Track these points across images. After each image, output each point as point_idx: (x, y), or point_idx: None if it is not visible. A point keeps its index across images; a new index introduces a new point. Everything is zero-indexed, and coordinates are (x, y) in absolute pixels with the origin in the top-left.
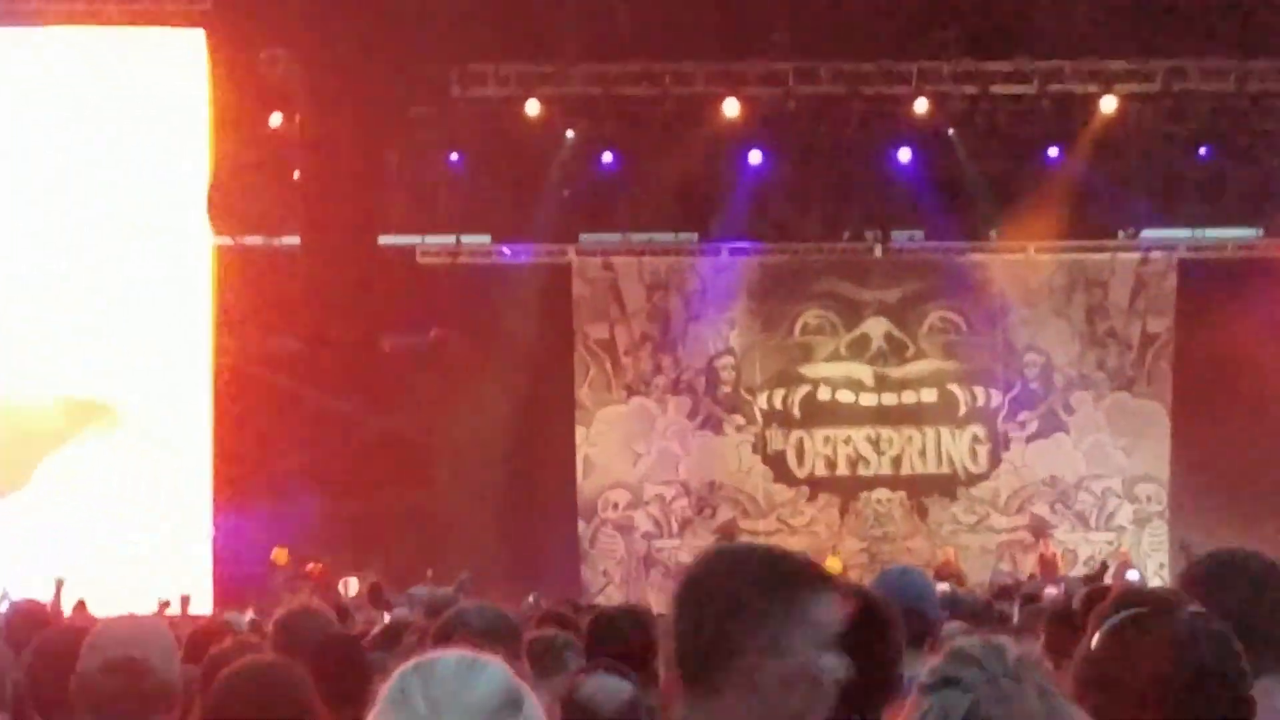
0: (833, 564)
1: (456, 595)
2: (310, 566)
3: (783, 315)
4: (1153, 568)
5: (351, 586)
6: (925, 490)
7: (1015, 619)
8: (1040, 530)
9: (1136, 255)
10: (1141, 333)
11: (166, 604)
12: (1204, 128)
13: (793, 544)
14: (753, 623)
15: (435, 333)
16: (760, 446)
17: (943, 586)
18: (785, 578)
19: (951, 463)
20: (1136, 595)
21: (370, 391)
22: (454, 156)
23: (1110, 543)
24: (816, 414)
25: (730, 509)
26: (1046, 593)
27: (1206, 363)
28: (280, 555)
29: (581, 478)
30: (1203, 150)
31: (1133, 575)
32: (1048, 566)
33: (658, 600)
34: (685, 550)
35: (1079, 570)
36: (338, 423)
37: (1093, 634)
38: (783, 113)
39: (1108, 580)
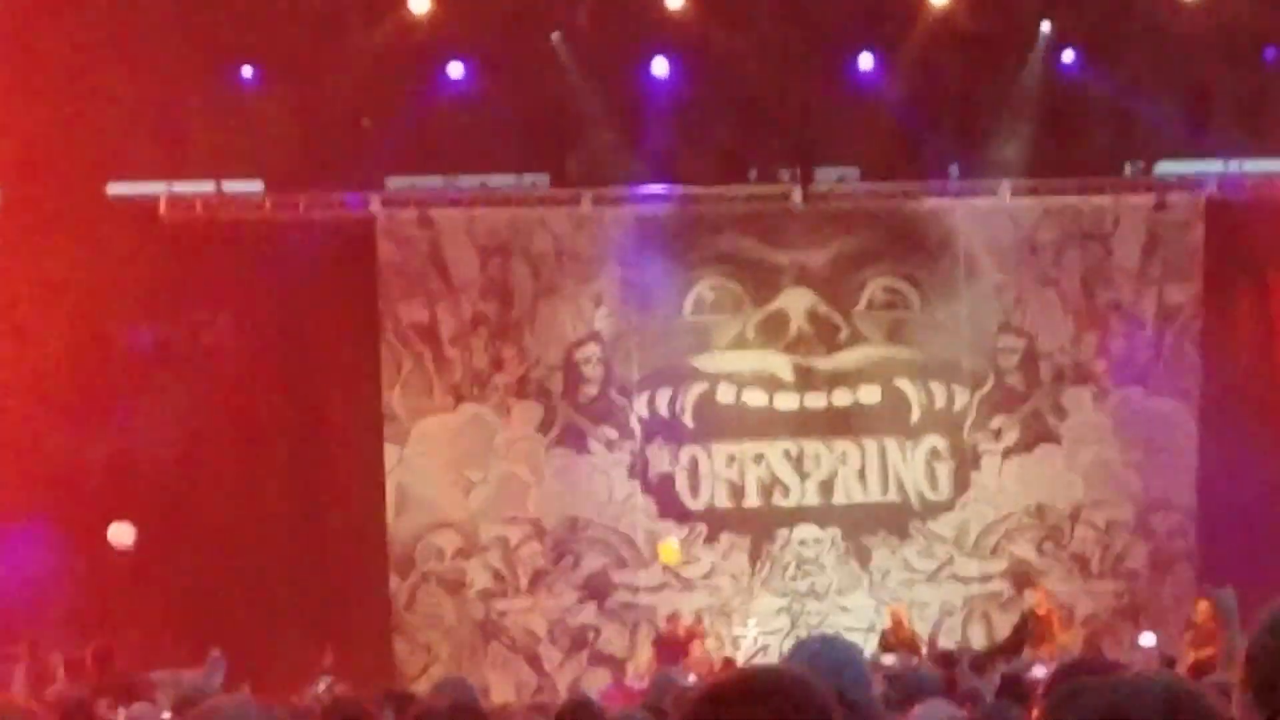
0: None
1: (208, 682)
2: None
3: (668, 287)
4: (1178, 626)
5: None
6: (867, 526)
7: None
8: (1025, 579)
9: (1150, 198)
10: (1158, 305)
11: None
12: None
13: (685, 603)
14: None
15: (190, 316)
16: (639, 469)
17: (888, 659)
18: None
19: (902, 488)
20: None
21: (98, 401)
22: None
23: (1119, 595)
24: (716, 423)
25: (599, 555)
26: (1035, 672)
27: (1245, 346)
28: None
29: (393, 516)
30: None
31: (1147, 640)
32: (1040, 630)
33: (502, 683)
34: (538, 614)
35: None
36: (52, 446)
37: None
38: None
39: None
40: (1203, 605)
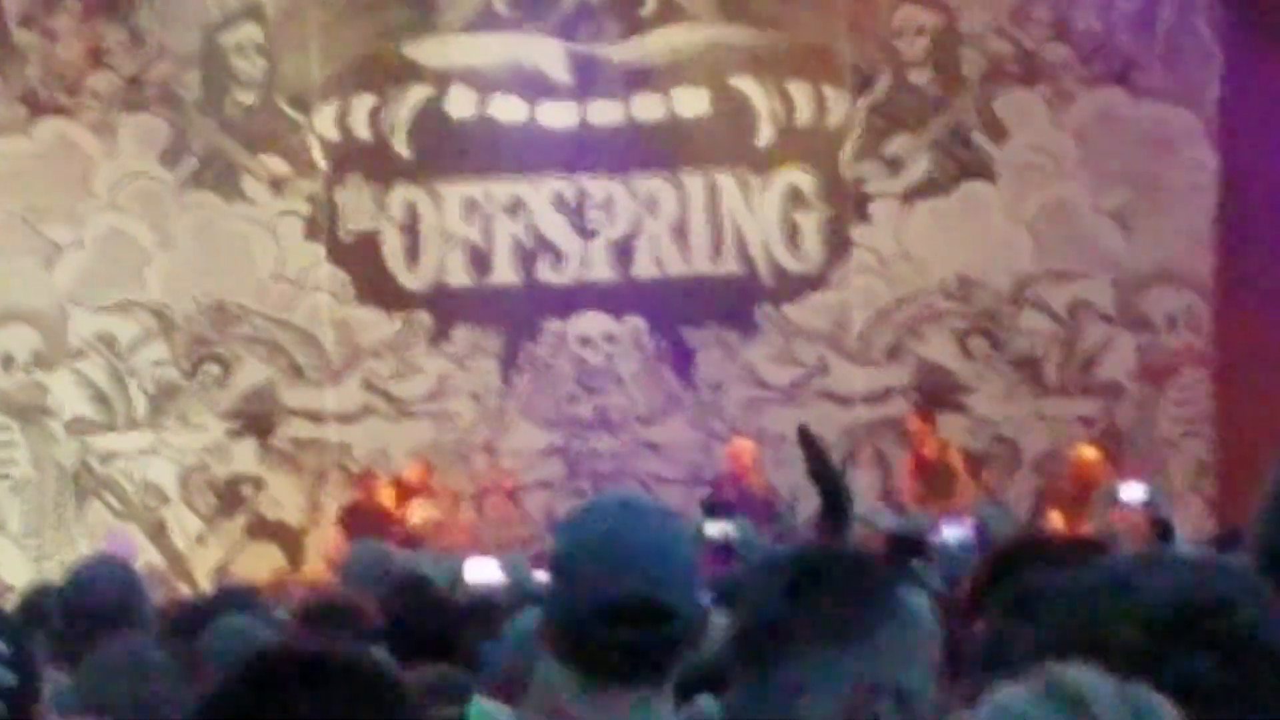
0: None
1: None
2: None
3: None
4: (1180, 474)
5: None
6: (689, 314)
7: None
8: (941, 394)
9: None
10: None
11: None
12: None
13: (396, 439)
14: None
15: None
16: (324, 224)
17: (717, 528)
18: None
19: (745, 253)
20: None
21: None
22: None
23: (1091, 421)
24: (447, 150)
25: (260, 363)
26: (946, 536)
27: None
28: None
29: None
30: None
31: (1133, 492)
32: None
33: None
34: (165, 458)
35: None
36: None
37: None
38: None
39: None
40: (1087, 452)
